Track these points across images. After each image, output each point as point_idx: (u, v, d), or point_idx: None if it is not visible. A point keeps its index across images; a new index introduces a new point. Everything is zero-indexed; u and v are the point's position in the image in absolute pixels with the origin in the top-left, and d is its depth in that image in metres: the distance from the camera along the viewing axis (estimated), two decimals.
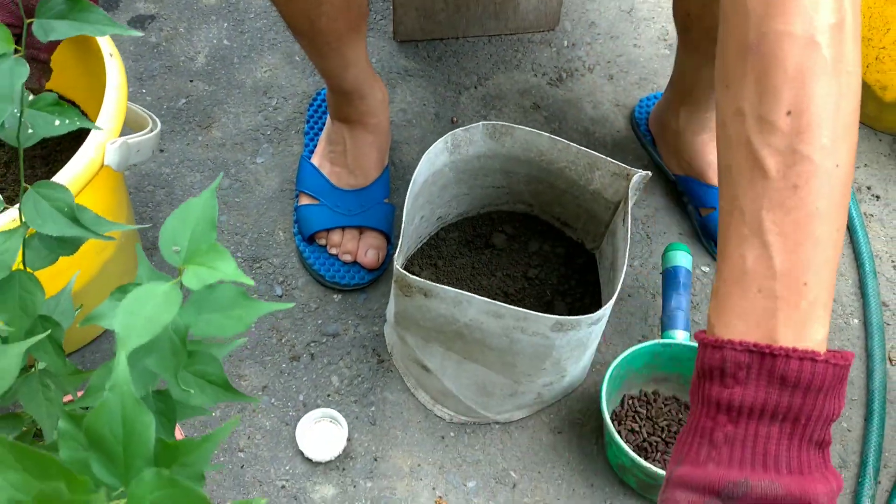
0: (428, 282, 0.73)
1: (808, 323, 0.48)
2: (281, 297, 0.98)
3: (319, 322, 0.97)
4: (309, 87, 1.16)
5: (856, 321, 1.02)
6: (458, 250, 0.96)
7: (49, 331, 0.51)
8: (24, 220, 0.49)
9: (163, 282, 0.38)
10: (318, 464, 0.87)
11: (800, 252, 0.49)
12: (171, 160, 1.08)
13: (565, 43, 1.26)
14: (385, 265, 0.99)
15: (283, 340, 0.95)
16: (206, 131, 1.11)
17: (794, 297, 0.48)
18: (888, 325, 1.02)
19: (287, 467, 0.87)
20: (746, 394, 0.47)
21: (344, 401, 0.92)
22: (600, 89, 1.21)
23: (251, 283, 0.37)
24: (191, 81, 1.16)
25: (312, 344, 0.95)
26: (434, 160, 0.84)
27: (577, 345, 0.79)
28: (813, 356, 0.47)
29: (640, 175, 0.82)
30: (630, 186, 0.82)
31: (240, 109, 1.13)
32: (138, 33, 0.47)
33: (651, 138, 1.13)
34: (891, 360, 1.00)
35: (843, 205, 0.50)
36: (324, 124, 1.09)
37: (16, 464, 0.30)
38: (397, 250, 0.77)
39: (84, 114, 0.82)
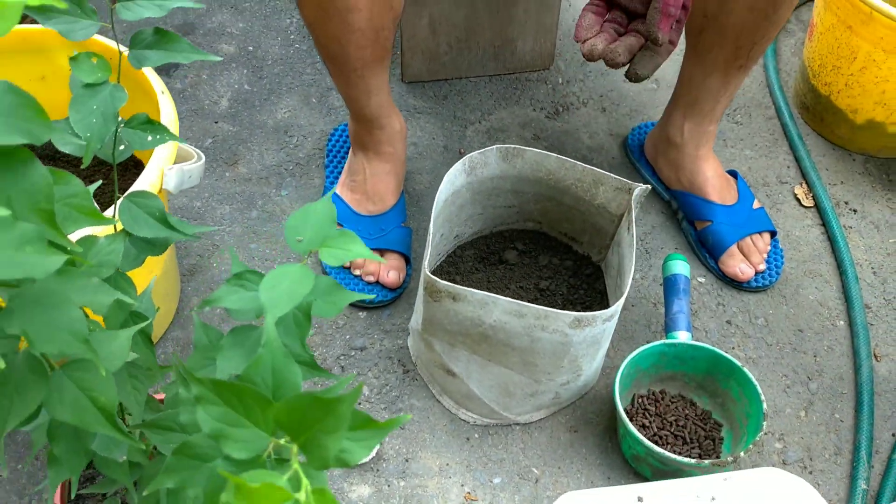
0: (456, 286, 0.81)
1: None
2: None
3: (347, 337, 1.04)
4: (326, 125, 1.25)
5: (842, 323, 1.10)
6: (474, 266, 1.04)
7: (143, 323, 0.58)
8: (119, 226, 0.57)
9: (295, 264, 0.46)
10: (353, 466, 0.93)
11: None
12: (202, 194, 1.16)
13: (560, 80, 1.36)
14: (405, 284, 1.07)
15: (315, 354, 1.02)
16: (233, 168, 1.19)
17: None
18: (872, 325, 1.11)
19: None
20: None
21: (374, 408, 0.98)
22: (595, 121, 1.31)
23: (382, 260, 0.45)
24: (216, 123, 1.24)
25: (342, 357, 1.02)
26: (454, 181, 0.92)
27: (592, 342, 0.86)
28: None
29: (640, 188, 0.91)
30: (633, 198, 0.90)
31: (263, 147, 1.22)
32: (218, 58, 0.55)
33: (644, 161, 1.22)
34: (876, 357, 1.08)
35: None
36: (342, 158, 1.17)
37: (216, 398, 0.37)
38: (425, 260, 0.85)
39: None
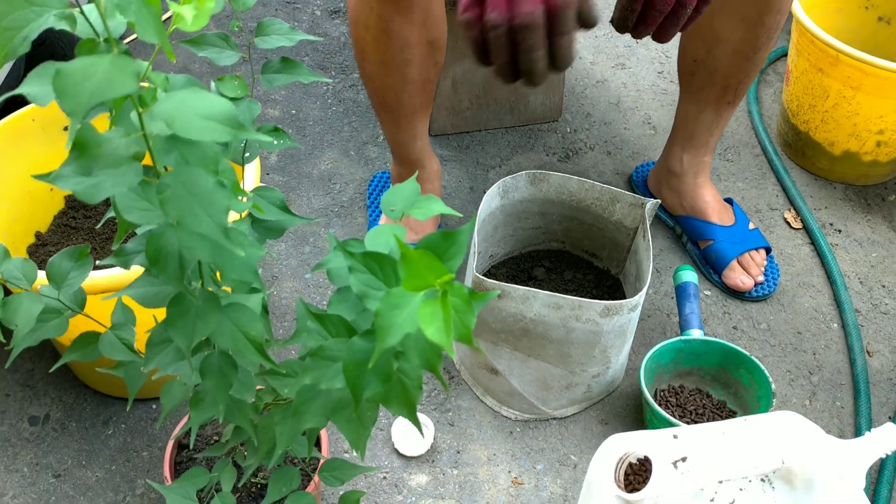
0: (500, 283, 0.95)
1: None
2: None
3: None
4: (364, 173, 1.41)
5: (835, 325, 1.24)
6: (507, 282, 1.18)
7: (263, 293, 0.71)
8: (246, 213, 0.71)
9: (389, 225, 0.60)
10: (410, 458, 1.05)
11: None
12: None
13: (568, 129, 1.53)
14: None
15: None
16: (299, 247, 1.34)
17: None
18: (862, 326, 1.24)
19: (385, 462, 1.04)
20: None
21: (425, 409, 1.10)
22: (601, 162, 1.47)
23: (458, 214, 0.59)
24: (268, 174, 1.40)
25: None
26: (490, 202, 1.07)
27: (619, 333, 0.99)
28: None
29: (652, 202, 1.05)
30: (646, 211, 1.05)
31: (310, 194, 1.37)
32: (328, 80, 0.70)
33: (649, 194, 1.37)
34: (869, 353, 1.21)
35: None
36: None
37: (363, 267, 0.50)
38: (472, 263, 0.99)
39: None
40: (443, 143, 1.48)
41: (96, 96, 0.37)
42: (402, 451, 1.04)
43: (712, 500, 0.72)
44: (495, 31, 0.67)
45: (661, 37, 0.90)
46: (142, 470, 1.02)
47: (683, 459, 0.67)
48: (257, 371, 0.71)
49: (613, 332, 0.99)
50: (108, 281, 0.84)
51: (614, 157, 1.48)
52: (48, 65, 0.46)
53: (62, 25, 0.46)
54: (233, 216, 0.85)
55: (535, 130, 1.52)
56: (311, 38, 0.68)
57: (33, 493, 1.00)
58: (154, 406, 1.09)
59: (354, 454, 1.05)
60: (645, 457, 0.71)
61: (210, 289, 0.59)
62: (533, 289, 0.94)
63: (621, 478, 0.69)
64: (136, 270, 0.85)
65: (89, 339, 0.71)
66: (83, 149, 0.43)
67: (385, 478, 1.03)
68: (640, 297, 0.97)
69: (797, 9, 1.33)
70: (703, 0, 0.89)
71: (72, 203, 1.12)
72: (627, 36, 1.77)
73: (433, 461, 1.05)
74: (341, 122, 1.51)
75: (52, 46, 1.15)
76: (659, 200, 1.06)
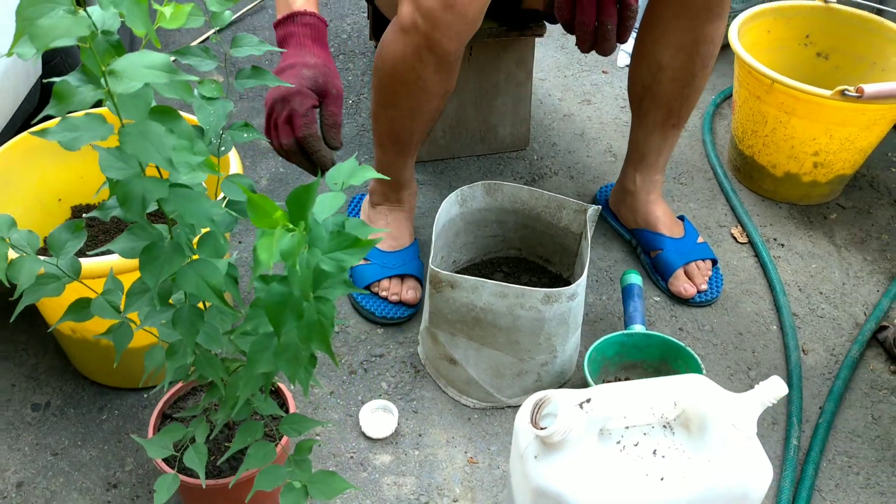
0: (452, 274, 1.07)
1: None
2: (338, 332, 1.29)
3: (368, 347, 1.28)
4: (346, 196, 1.54)
5: (774, 327, 1.34)
6: None
7: (227, 249, 0.83)
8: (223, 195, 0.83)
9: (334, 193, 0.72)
10: (376, 440, 1.15)
11: None
12: (250, 248, 1.43)
13: (535, 157, 1.67)
14: (420, 303, 1.31)
15: (342, 361, 1.26)
16: None
17: None
18: (800, 328, 1.34)
19: (353, 444, 1.15)
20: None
21: (392, 398, 1.21)
22: (565, 185, 1.59)
23: (386, 177, 0.71)
24: None
25: (364, 362, 1.26)
26: (449, 209, 1.20)
27: (561, 320, 1.10)
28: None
29: (593, 208, 1.18)
30: (587, 217, 1.17)
31: None
32: (290, 85, 0.83)
33: (609, 211, 1.50)
34: (804, 351, 1.31)
35: None
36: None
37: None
38: (430, 260, 1.11)
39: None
40: (419, 169, 1.62)
41: (56, 35, 0.51)
42: (368, 434, 1.15)
43: (619, 442, 0.82)
44: (284, 150, 1.06)
45: (602, 50, 1.14)
46: (131, 450, 1.13)
47: (588, 401, 0.78)
48: (225, 330, 0.82)
49: (555, 319, 1.10)
50: (102, 266, 0.96)
51: (577, 180, 1.61)
52: (68, 119, 0.61)
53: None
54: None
55: (505, 158, 1.66)
56: (277, 49, 0.81)
57: (33, 468, 1.11)
58: (145, 395, 1.20)
59: (321, 426, 1.15)
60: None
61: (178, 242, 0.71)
62: (481, 279, 1.06)
63: (538, 420, 0.79)
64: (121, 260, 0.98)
65: (83, 304, 0.83)
66: (61, 97, 0.57)
67: (352, 457, 1.13)
68: (576, 287, 1.08)
69: (735, 43, 1.47)
70: (625, 15, 1.08)
71: (77, 213, 1.25)
72: (594, 75, 1.92)
73: (396, 443, 1.15)
74: None
75: (61, 67, 1.30)
76: (599, 207, 1.18)
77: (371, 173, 0.74)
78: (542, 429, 0.78)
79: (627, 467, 0.80)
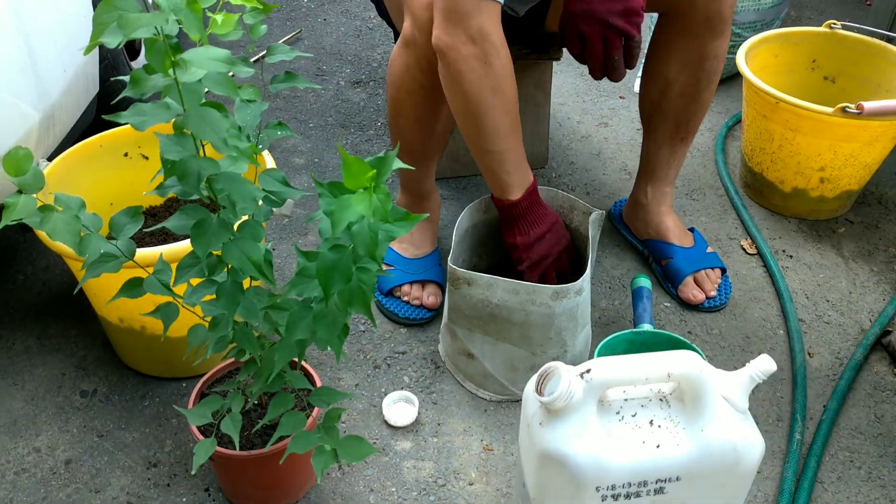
0: (468, 271, 1.15)
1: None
2: (364, 331, 1.37)
3: (392, 345, 1.36)
4: None
5: (781, 332, 1.40)
6: None
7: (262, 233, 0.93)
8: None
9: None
10: (398, 428, 1.22)
11: None
12: (281, 254, 1.53)
13: (553, 175, 1.75)
14: (441, 307, 1.39)
15: (367, 357, 1.34)
16: (305, 237, 1.57)
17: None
18: (805, 333, 1.40)
19: (376, 431, 1.22)
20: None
21: (413, 390, 1.28)
22: (582, 200, 1.67)
23: (411, 167, 0.80)
24: (294, 209, 1.64)
25: (388, 358, 1.34)
26: (473, 215, 1.29)
27: (570, 315, 1.17)
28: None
29: (597, 212, 1.25)
30: (590, 220, 1.25)
31: None
32: (318, 87, 0.93)
33: (623, 224, 1.57)
34: (810, 354, 1.36)
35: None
36: None
37: (327, 192, 0.71)
38: (450, 257, 1.19)
39: None
40: (442, 185, 1.71)
41: (141, 23, 0.61)
42: (390, 422, 1.22)
43: (618, 412, 0.89)
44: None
45: (612, 77, 1.23)
46: (170, 433, 1.22)
47: (588, 370, 0.85)
48: (263, 305, 0.91)
49: (565, 314, 1.17)
50: (154, 253, 1.06)
51: (592, 196, 1.69)
52: (137, 106, 0.71)
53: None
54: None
55: None
56: (306, 55, 0.91)
57: (80, 448, 1.20)
58: (184, 384, 1.29)
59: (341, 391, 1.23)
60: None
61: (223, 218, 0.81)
62: (494, 276, 1.14)
63: (543, 389, 0.86)
64: (173, 246, 1.08)
65: (135, 283, 0.93)
66: (137, 82, 0.67)
67: (375, 443, 1.21)
68: (582, 282, 1.16)
69: (742, 65, 1.55)
70: (630, 45, 1.17)
71: None
72: (611, 100, 2.01)
73: (416, 431, 1.22)
74: None
75: (115, 88, 1.43)
76: (603, 212, 1.26)
77: (396, 162, 0.83)
78: (546, 396, 0.85)
79: (626, 435, 0.86)
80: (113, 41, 0.64)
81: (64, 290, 1.44)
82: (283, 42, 2.22)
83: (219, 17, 0.77)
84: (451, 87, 1.14)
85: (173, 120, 0.72)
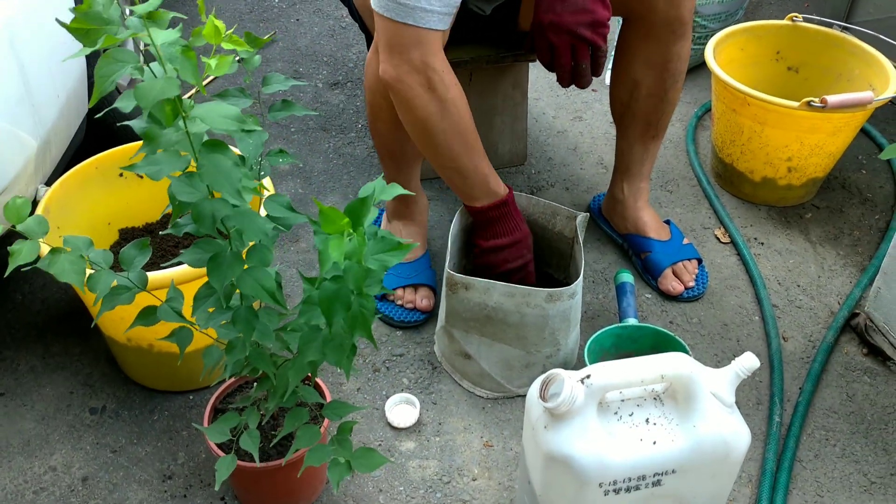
0: (466, 276, 1.20)
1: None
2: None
3: (389, 348, 1.41)
4: None
5: (756, 318, 1.48)
6: None
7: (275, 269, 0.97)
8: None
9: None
10: (401, 429, 1.28)
11: None
12: (275, 263, 1.57)
13: (533, 171, 1.81)
14: (434, 310, 1.45)
15: (366, 361, 1.39)
16: (295, 243, 1.61)
17: None
18: (779, 318, 1.48)
19: (380, 433, 1.28)
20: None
21: (413, 391, 1.34)
22: (561, 196, 1.73)
23: (411, 192, 0.85)
24: None
25: (387, 361, 1.39)
26: (461, 220, 1.34)
27: (563, 317, 1.24)
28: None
29: (582, 216, 1.31)
30: (577, 223, 1.31)
31: None
32: (314, 113, 0.97)
33: (603, 218, 1.63)
34: (784, 339, 1.44)
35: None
36: None
37: (318, 226, 0.76)
38: (447, 263, 1.24)
39: None
40: (427, 186, 1.75)
41: (159, 96, 0.65)
42: (393, 424, 1.28)
43: (616, 413, 0.95)
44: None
45: (580, 84, 1.27)
46: (182, 445, 1.26)
47: (588, 376, 0.91)
48: (275, 327, 0.96)
49: (558, 316, 1.23)
50: (164, 277, 1.10)
51: (572, 191, 1.75)
52: (151, 157, 0.75)
53: (136, 75, 0.74)
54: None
55: (504, 173, 1.80)
56: (300, 83, 0.95)
57: (95, 464, 1.23)
58: (191, 396, 1.33)
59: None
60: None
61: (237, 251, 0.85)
62: (492, 280, 1.19)
63: (546, 395, 0.93)
64: (183, 270, 1.11)
65: (149, 311, 0.97)
66: (150, 138, 0.71)
67: (380, 445, 1.26)
68: (576, 286, 1.22)
69: (710, 61, 1.62)
70: (597, 55, 1.22)
71: (125, 235, 1.39)
72: (584, 93, 2.06)
73: (419, 431, 1.28)
74: (341, 173, 1.80)
75: (101, 104, 1.45)
76: (587, 215, 1.32)
77: (398, 190, 0.88)
78: (550, 402, 0.91)
79: (624, 433, 0.93)
80: (128, 105, 0.68)
81: (63, 308, 1.47)
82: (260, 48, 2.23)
83: (213, 62, 0.81)
84: (403, 114, 1.22)
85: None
